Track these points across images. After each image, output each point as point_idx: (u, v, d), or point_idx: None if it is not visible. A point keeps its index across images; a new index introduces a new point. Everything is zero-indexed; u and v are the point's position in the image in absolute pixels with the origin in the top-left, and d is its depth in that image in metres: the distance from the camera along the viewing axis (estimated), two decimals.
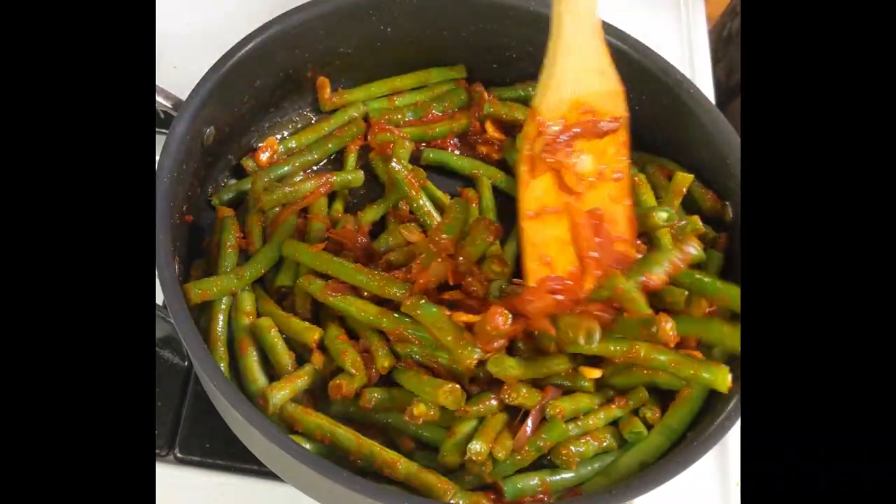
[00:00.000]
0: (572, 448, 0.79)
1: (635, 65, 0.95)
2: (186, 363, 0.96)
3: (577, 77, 0.83)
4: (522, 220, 0.85)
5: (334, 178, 0.96)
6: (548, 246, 0.85)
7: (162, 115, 0.99)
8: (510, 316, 0.79)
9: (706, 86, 1.28)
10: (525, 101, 1.03)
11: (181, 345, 0.92)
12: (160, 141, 0.82)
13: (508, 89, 1.05)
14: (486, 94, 1.03)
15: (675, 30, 1.35)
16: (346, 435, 0.78)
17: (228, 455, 0.91)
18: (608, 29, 0.95)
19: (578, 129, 0.84)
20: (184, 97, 0.86)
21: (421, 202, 0.94)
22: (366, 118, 1.04)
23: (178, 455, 0.92)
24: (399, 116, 1.04)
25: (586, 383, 0.83)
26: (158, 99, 0.91)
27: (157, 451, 0.91)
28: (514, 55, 1.03)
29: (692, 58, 1.31)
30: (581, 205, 0.85)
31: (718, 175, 0.91)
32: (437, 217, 0.94)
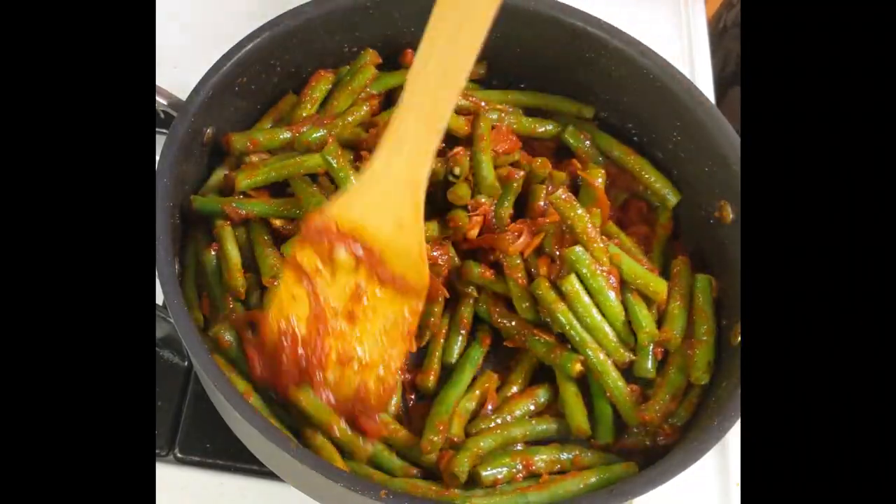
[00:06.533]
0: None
1: (635, 65, 0.95)
2: (186, 363, 0.96)
3: (373, 207, 0.77)
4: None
5: None
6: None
7: (162, 115, 0.99)
8: None
9: (706, 81, 1.28)
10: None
11: (181, 345, 0.92)
12: (160, 141, 0.82)
13: None
14: None
15: (675, 24, 1.35)
16: None
17: (228, 455, 0.91)
18: (608, 29, 0.95)
19: (359, 249, 0.78)
20: (184, 97, 0.86)
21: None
22: None
23: (178, 455, 0.92)
24: None
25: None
26: (158, 99, 0.91)
27: (157, 451, 0.91)
28: (518, 57, 1.03)
29: (692, 53, 1.31)
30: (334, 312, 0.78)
31: (718, 175, 0.91)
32: None
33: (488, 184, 0.91)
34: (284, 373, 0.78)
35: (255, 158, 0.91)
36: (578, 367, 0.83)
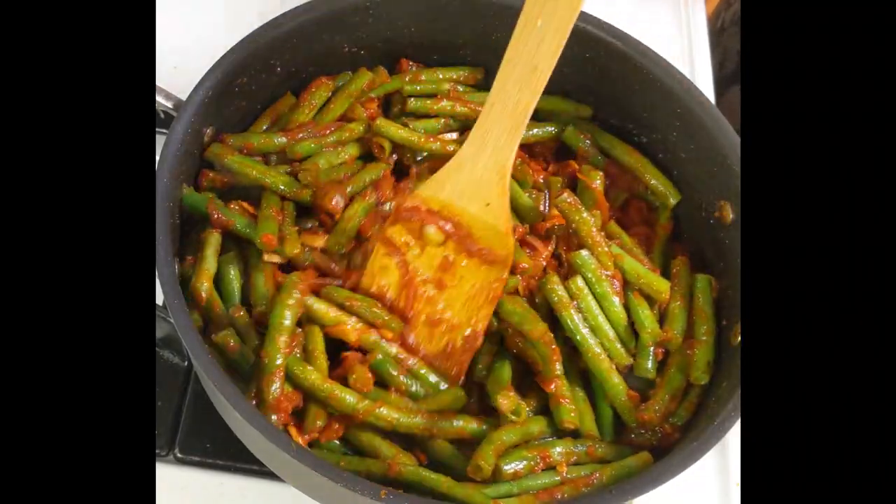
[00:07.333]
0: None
1: (635, 65, 0.94)
2: (186, 363, 0.96)
3: (461, 189, 0.85)
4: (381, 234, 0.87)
5: None
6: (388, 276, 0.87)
7: (162, 115, 0.99)
8: None
9: (706, 80, 1.28)
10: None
11: (181, 345, 0.92)
12: (160, 141, 0.82)
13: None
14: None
15: (675, 24, 1.35)
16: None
17: (228, 455, 0.91)
18: (608, 29, 0.95)
19: (447, 226, 0.85)
20: (184, 97, 0.86)
21: None
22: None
23: (178, 455, 0.92)
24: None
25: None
26: (158, 99, 0.91)
27: (157, 451, 0.91)
28: None
29: (692, 52, 1.32)
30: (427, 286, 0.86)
31: (718, 175, 0.91)
32: None
33: (521, 204, 0.94)
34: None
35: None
36: (569, 425, 0.83)
